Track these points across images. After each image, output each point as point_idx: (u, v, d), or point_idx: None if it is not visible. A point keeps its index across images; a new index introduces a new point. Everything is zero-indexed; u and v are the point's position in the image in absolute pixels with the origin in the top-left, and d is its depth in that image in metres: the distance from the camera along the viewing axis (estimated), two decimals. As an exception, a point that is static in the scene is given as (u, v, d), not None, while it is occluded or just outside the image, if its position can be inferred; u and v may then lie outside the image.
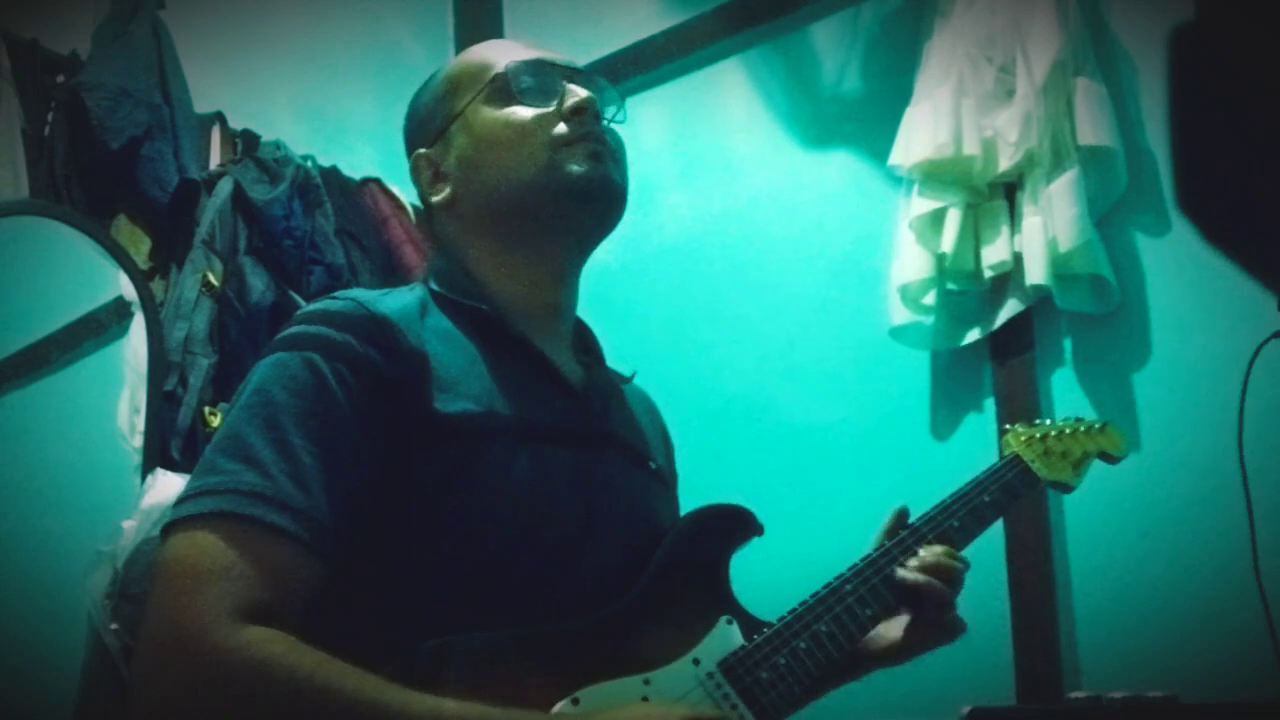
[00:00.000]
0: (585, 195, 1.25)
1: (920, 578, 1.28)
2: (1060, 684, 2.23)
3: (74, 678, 2.01)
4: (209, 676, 0.96)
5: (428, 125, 1.33)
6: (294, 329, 1.15)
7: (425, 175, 1.32)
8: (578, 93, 1.26)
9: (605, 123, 1.30)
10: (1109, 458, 1.59)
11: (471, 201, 1.27)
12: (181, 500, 1.05)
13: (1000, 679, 2.28)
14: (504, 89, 1.27)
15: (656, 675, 1.12)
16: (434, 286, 1.26)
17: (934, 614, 1.31)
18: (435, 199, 1.30)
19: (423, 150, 1.32)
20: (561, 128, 1.25)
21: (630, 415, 1.36)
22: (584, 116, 1.26)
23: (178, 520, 1.03)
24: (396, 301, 1.20)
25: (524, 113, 1.26)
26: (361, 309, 1.15)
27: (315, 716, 0.97)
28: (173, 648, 0.97)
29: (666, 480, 1.38)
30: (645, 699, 1.10)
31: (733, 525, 1.27)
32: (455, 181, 1.28)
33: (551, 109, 1.26)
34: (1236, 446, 1.68)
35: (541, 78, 1.28)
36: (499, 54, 1.31)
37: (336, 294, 1.20)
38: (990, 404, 2.44)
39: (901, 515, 1.36)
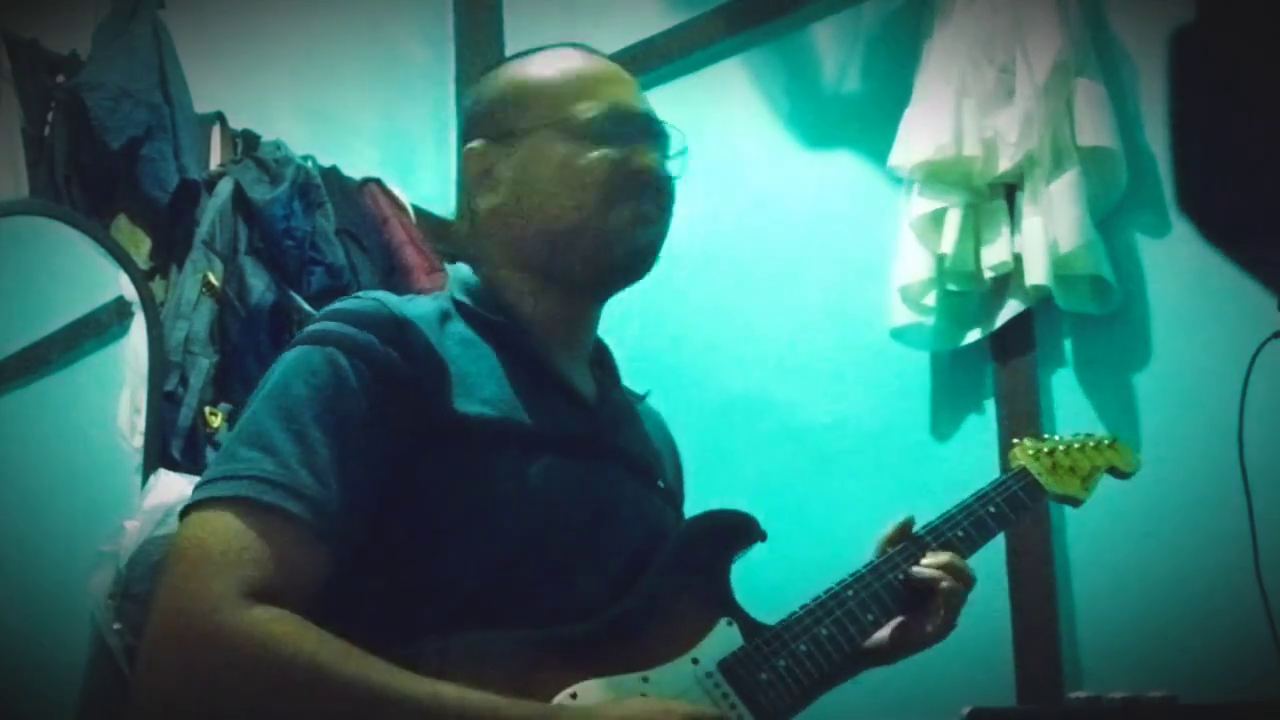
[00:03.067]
0: (627, 269, 1.27)
1: (934, 573, 1.30)
2: (1060, 684, 2.23)
3: (76, 678, 2.01)
4: (214, 653, 0.98)
5: (491, 120, 1.30)
6: (318, 325, 1.16)
7: (474, 171, 1.29)
8: (650, 155, 1.26)
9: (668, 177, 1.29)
10: (1118, 473, 1.59)
11: (516, 224, 1.27)
12: (200, 484, 1.07)
13: (1000, 679, 2.28)
14: (584, 129, 1.25)
15: (655, 673, 1.13)
16: (456, 296, 1.27)
17: (941, 612, 1.30)
18: (481, 201, 1.29)
19: (477, 145, 1.29)
20: (625, 184, 1.24)
21: (642, 434, 1.37)
22: (648, 182, 1.26)
23: (195, 503, 1.05)
24: (419, 307, 1.21)
25: (592, 160, 1.24)
26: (384, 309, 1.16)
27: (317, 695, 0.98)
28: (180, 625, 0.99)
29: (674, 499, 1.39)
30: (643, 695, 1.11)
31: (735, 531, 1.27)
32: (506, 196, 1.27)
33: (621, 161, 1.25)
34: (1237, 447, 1.68)
35: (619, 126, 1.26)
36: (585, 83, 1.28)
37: (361, 294, 1.21)
38: (991, 405, 2.44)
39: (906, 526, 1.35)
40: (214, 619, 0.98)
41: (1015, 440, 1.56)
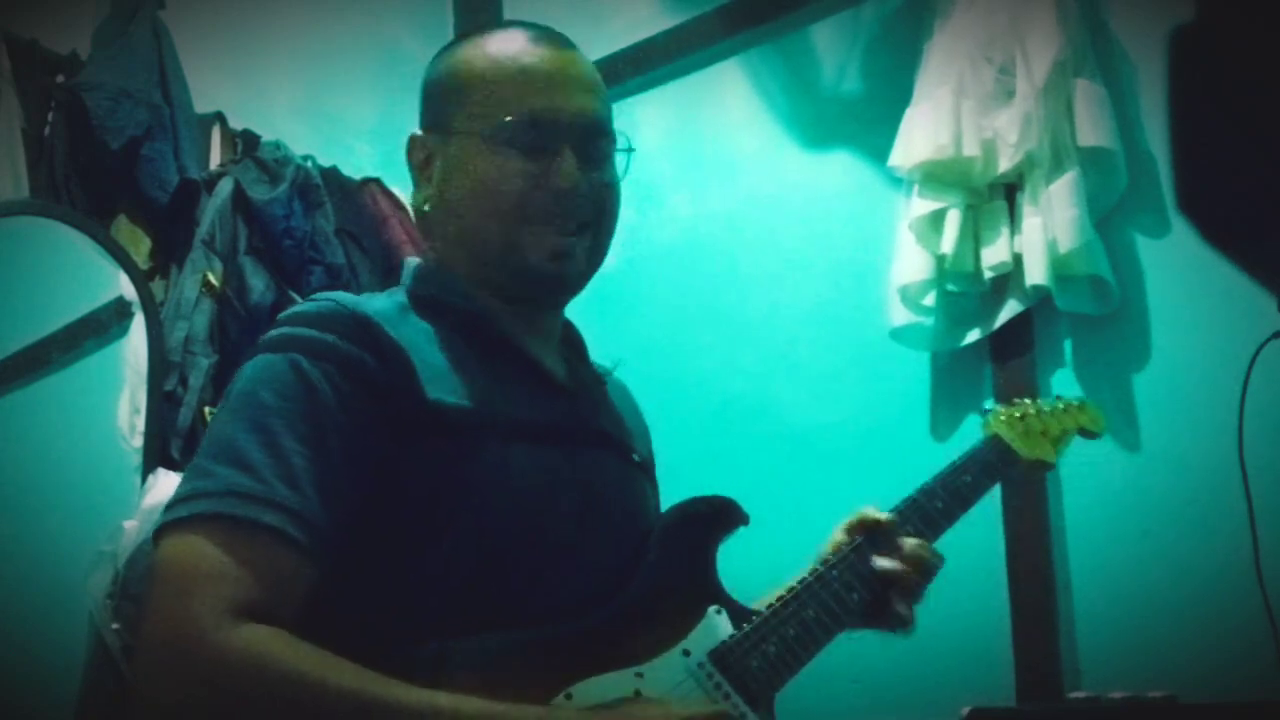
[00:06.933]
0: (538, 289, 1.25)
1: (896, 565, 1.30)
2: (1060, 684, 2.23)
3: (75, 677, 2.02)
4: (207, 677, 0.97)
5: (429, 110, 1.30)
6: (277, 331, 1.15)
7: (417, 158, 1.29)
8: (568, 171, 1.21)
9: (605, 179, 1.25)
10: (1088, 434, 1.64)
11: (445, 223, 1.26)
12: (173, 503, 1.05)
13: (1000, 679, 2.28)
14: (505, 137, 1.21)
15: (648, 668, 1.13)
16: (416, 288, 1.25)
17: (898, 602, 1.31)
18: (418, 193, 1.29)
19: (419, 133, 1.29)
20: (537, 203, 1.20)
21: (613, 409, 1.36)
22: (564, 199, 1.21)
23: (170, 523, 1.03)
24: (378, 303, 1.20)
25: (505, 173, 1.20)
26: (343, 309, 1.15)
27: (312, 712, 0.97)
28: (171, 651, 0.98)
29: (649, 471, 1.39)
30: (638, 691, 1.11)
31: (717, 516, 1.27)
32: (437, 192, 1.26)
33: (538, 175, 1.20)
34: (1237, 446, 1.69)
35: (540, 135, 1.21)
36: (514, 84, 1.23)
37: (316, 296, 1.20)
38: (990, 405, 2.44)
39: (869, 519, 1.35)
40: (204, 643, 0.96)
41: (987, 408, 1.59)
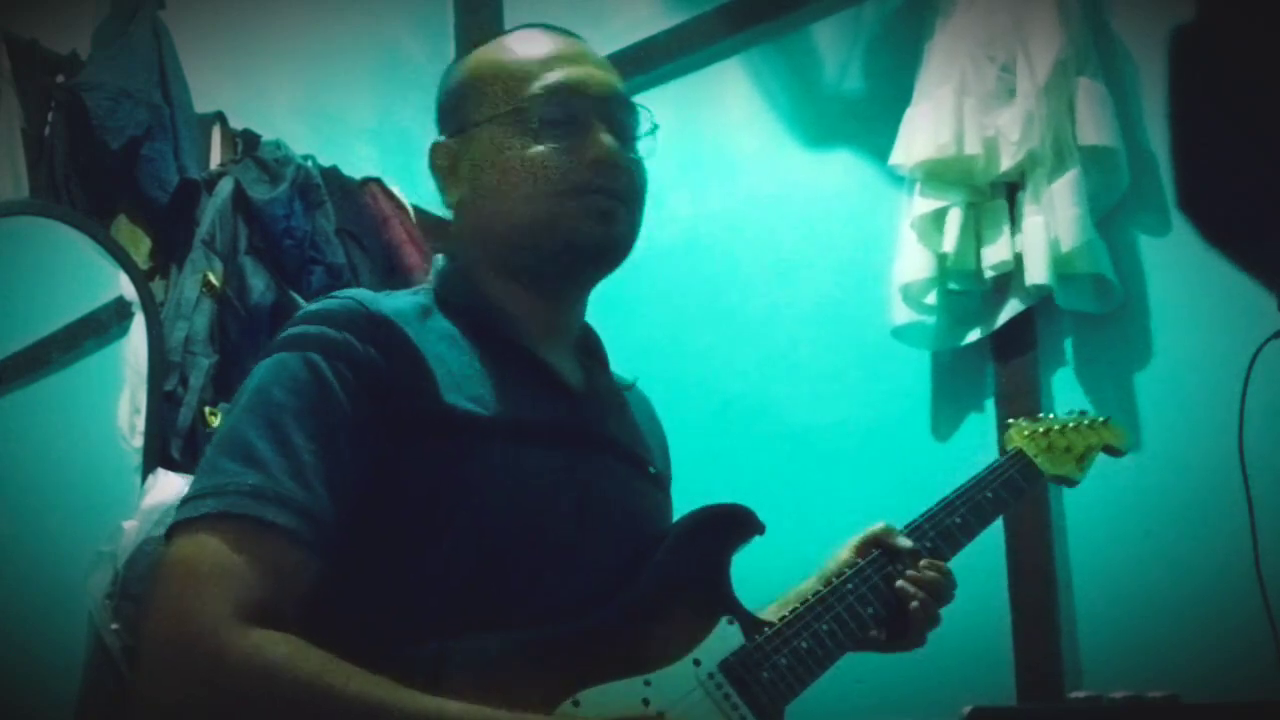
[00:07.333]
0: (586, 255, 1.23)
1: (912, 586, 1.30)
2: (1061, 684, 2.23)
3: (74, 678, 2.01)
4: (214, 680, 0.96)
5: (450, 115, 1.29)
6: (294, 329, 1.14)
7: (443, 166, 1.28)
8: (601, 141, 1.20)
9: (633, 155, 1.25)
10: (1113, 451, 1.61)
11: (473, 220, 1.26)
12: (184, 502, 1.05)
13: (1000, 679, 2.28)
14: (531, 120, 1.21)
15: (657, 676, 1.12)
16: (436, 288, 1.26)
17: (913, 624, 1.31)
18: (448, 197, 1.29)
19: (441, 140, 1.29)
20: (576, 176, 1.19)
21: (630, 420, 1.35)
22: (602, 169, 1.20)
23: (181, 522, 1.03)
24: (397, 302, 1.20)
25: (539, 153, 1.20)
26: (361, 308, 1.14)
27: (320, 718, 0.96)
28: (176, 651, 0.97)
29: (664, 485, 1.38)
30: (646, 700, 1.10)
31: (733, 525, 1.26)
32: (467, 192, 1.26)
33: (572, 149, 1.20)
34: (1237, 446, 1.68)
35: (569, 110, 1.21)
36: (533, 66, 1.23)
37: (336, 293, 1.19)
38: (991, 404, 2.44)
39: (880, 534, 1.34)
40: (211, 645, 0.96)
41: (1010, 421, 1.56)
